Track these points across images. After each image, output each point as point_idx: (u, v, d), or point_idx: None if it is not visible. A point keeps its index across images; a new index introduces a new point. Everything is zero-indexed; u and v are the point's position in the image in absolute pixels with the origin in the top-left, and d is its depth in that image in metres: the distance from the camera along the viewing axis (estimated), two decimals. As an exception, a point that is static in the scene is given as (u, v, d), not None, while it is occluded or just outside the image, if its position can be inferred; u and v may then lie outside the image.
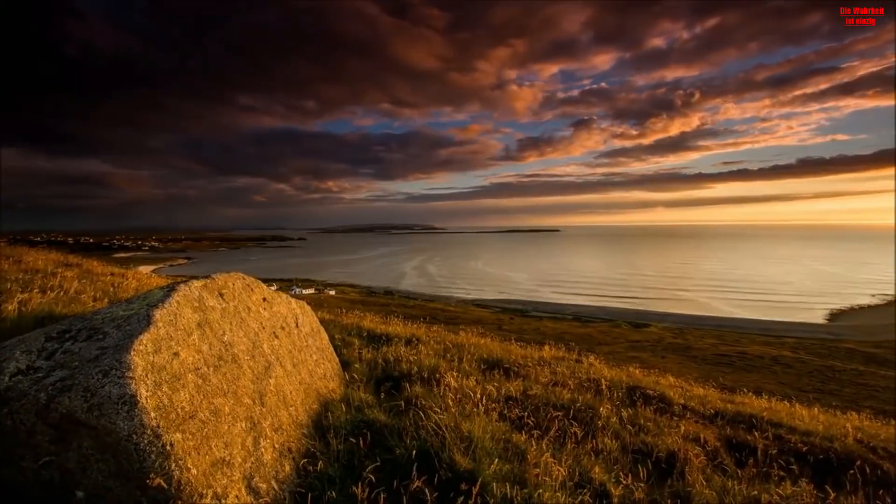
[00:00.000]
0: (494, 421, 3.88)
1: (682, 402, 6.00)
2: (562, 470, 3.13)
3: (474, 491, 2.62)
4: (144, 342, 2.42)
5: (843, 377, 41.12)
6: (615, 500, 3.11)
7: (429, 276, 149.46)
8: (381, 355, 5.89)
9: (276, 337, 3.96)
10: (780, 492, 3.71)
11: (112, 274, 7.81)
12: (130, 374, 2.20)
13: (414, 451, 3.09)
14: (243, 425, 2.66)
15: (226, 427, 2.51)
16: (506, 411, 4.31)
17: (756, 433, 5.25)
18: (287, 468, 2.82)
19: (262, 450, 2.70)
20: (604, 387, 5.69)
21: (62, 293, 4.99)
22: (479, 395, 4.22)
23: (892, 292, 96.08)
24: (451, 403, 3.84)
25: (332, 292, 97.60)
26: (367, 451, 3.11)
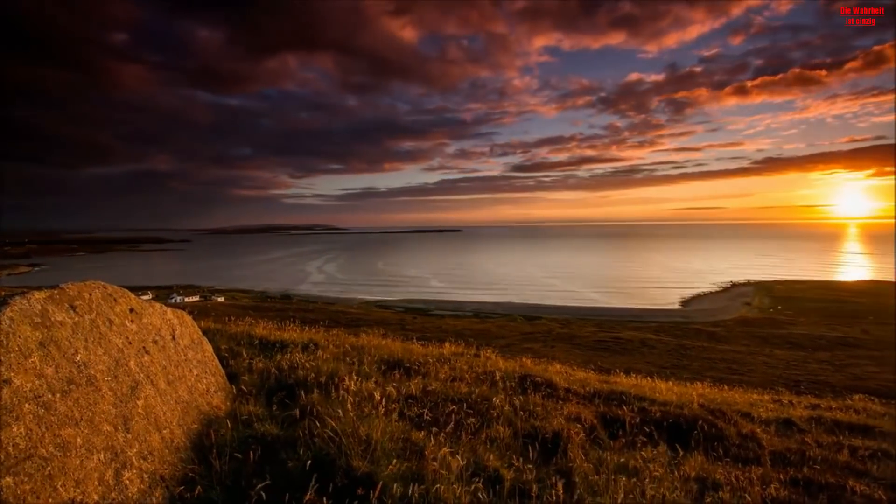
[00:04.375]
0: (394, 421, 3.89)
1: (567, 385, 6.61)
2: (458, 461, 3.25)
3: (372, 495, 2.61)
4: (-41, 370, 1.98)
5: (692, 353, 48.79)
6: (507, 483, 3.32)
7: (330, 277, 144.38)
8: (274, 364, 5.55)
9: (147, 352, 3.51)
10: (644, 455, 4.30)
11: (-85, 287, 6.22)
12: (-63, 411, 1.79)
13: (309, 462, 2.96)
14: (101, 457, 2.32)
15: (77, 462, 2.16)
16: (406, 410, 4.35)
17: (625, 408, 5.99)
18: (158, 499, 2.53)
19: (127, 482, 2.38)
20: (498, 378, 6.04)
21: None
22: (378, 397, 4.19)
23: (725, 280, 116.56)
24: (349, 408, 3.76)
25: (221, 299, 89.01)
26: (256, 467, 2.91)
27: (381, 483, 2.78)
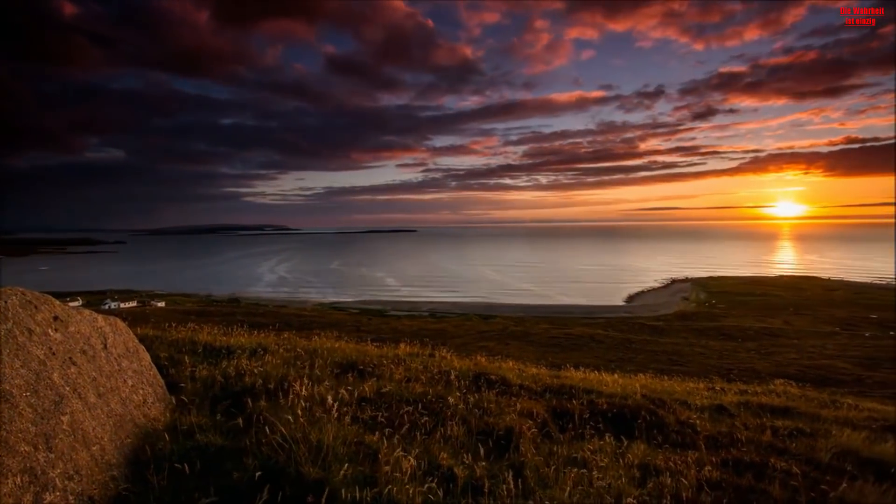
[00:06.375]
0: (347, 425, 3.83)
1: (519, 382, 6.77)
2: (412, 462, 3.24)
3: (322, 500, 2.55)
4: None
5: (636, 346, 51.52)
6: (461, 481, 3.35)
7: (282, 279, 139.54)
8: (219, 371, 5.30)
9: (74, 363, 3.25)
10: (591, 447, 4.49)
11: None
12: None
13: (257, 472, 2.86)
14: (18, 480, 2.11)
15: (-11, 486, 1.97)
16: (359, 413, 4.29)
17: (575, 401, 6.22)
18: (88, 521, 2.35)
19: (49, 505, 2.19)
20: (453, 377, 6.08)
21: None
22: (331, 401, 4.10)
23: (666, 277, 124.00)
24: (300, 413, 3.65)
25: (162, 304, 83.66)
26: (199, 481, 2.76)
27: (331, 488, 2.73)
